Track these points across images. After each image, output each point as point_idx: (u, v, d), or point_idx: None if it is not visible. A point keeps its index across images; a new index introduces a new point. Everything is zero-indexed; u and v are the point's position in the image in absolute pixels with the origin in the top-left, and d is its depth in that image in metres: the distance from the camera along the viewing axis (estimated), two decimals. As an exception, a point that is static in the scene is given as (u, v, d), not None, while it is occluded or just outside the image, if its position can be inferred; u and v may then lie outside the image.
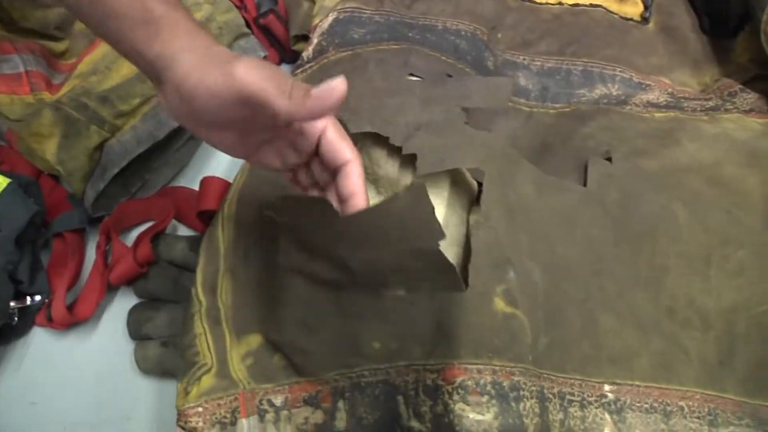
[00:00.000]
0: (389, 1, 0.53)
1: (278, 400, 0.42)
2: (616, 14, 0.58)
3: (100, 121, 0.48)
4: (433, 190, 0.44)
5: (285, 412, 0.42)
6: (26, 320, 0.51)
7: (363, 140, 0.45)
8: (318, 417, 0.42)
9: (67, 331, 0.52)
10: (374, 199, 0.46)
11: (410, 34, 0.51)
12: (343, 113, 0.45)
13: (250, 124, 0.32)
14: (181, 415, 0.40)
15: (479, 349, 0.37)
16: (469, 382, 0.37)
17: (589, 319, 0.42)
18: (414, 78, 0.47)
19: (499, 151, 0.43)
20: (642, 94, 0.53)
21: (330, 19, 0.52)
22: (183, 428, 0.40)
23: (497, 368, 0.37)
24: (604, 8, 0.58)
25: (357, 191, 0.34)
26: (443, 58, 0.50)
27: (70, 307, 0.50)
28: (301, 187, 0.37)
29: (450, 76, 0.49)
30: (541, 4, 0.58)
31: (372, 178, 0.46)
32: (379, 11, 0.52)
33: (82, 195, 0.50)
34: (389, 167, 0.45)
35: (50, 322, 0.50)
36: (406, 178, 0.44)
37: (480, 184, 0.43)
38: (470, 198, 0.45)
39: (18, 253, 0.48)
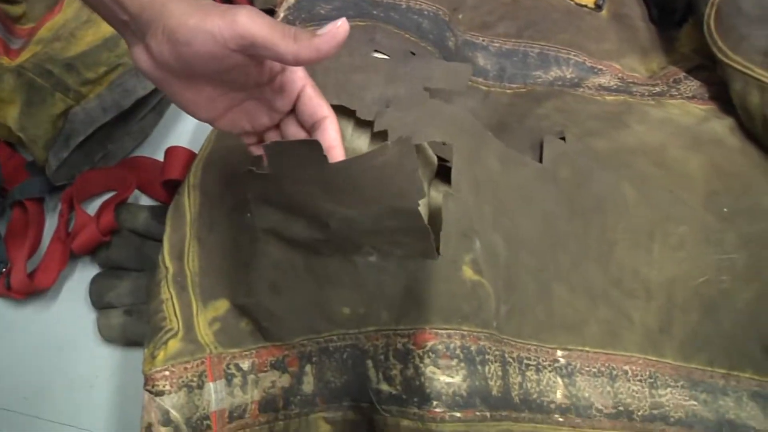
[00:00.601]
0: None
1: (245, 365, 0.43)
2: (572, 1, 0.61)
3: (65, 89, 0.47)
4: None
5: (252, 376, 0.43)
6: (-14, 289, 0.51)
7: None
8: (285, 381, 0.43)
9: (27, 300, 0.51)
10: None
11: (375, 12, 0.52)
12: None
13: (238, 75, 0.32)
14: (148, 380, 0.41)
15: (450, 315, 0.39)
16: (440, 346, 0.39)
17: (544, 288, 0.44)
18: (379, 55, 0.49)
19: (467, 126, 0.45)
20: (594, 77, 0.56)
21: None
22: (150, 392, 0.41)
23: (465, 333, 0.39)
24: (562, -6, 0.61)
25: (335, 144, 0.35)
26: (407, 36, 0.51)
27: (30, 276, 0.50)
28: None
29: (413, 54, 0.50)
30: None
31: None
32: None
33: (44, 163, 0.50)
34: (357, 141, 0.46)
35: (9, 291, 0.50)
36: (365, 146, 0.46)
37: (441, 159, 0.45)
38: (431, 172, 0.46)
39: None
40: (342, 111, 0.46)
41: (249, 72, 0.31)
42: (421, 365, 0.38)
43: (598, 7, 0.61)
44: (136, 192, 0.55)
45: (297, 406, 0.42)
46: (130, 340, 0.50)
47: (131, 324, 0.49)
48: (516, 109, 0.54)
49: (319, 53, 0.30)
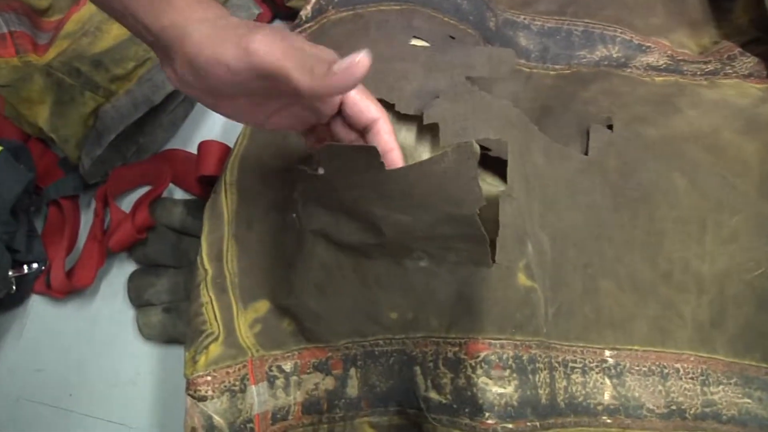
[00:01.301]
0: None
1: (288, 366, 0.43)
2: (618, -28, 0.57)
3: (94, 87, 0.46)
4: None
5: (294, 378, 0.43)
6: (24, 289, 0.51)
7: None
8: (329, 383, 0.43)
9: (66, 299, 0.51)
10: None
11: (412, -10, 0.49)
12: None
13: (267, 95, 0.31)
14: (190, 384, 0.41)
15: (504, 325, 0.38)
16: (493, 357, 0.38)
17: (590, 284, 0.43)
18: (417, 42, 0.46)
19: (515, 120, 0.43)
20: (642, 56, 0.53)
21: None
22: (192, 397, 0.41)
23: (518, 343, 0.38)
24: (607, -34, 0.57)
25: (391, 147, 0.34)
26: (445, 19, 0.49)
27: (69, 274, 0.50)
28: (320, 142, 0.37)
29: (453, 38, 0.48)
30: (541, -41, 0.57)
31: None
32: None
33: (77, 161, 0.49)
34: (399, 134, 0.44)
35: (49, 290, 0.50)
36: (424, 147, 0.44)
37: (483, 148, 0.43)
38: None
39: (14, 223, 0.47)
40: (382, 102, 0.44)
41: (281, 90, 0.29)
42: (473, 375, 0.37)
43: (646, -22, 0.57)
44: (171, 186, 0.54)
45: (341, 410, 0.42)
46: (170, 338, 0.50)
47: (170, 321, 0.49)
48: (560, 92, 0.51)
49: (334, 92, 0.29)
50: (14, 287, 0.50)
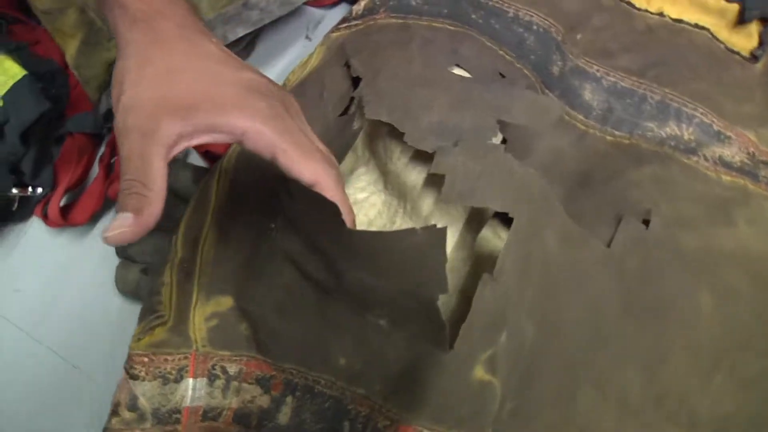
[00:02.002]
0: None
1: (232, 370, 0.41)
2: (722, 43, 0.50)
3: (122, 36, 0.45)
4: (447, 218, 0.40)
5: (235, 384, 0.41)
6: (26, 209, 0.52)
7: (381, 127, 0.41)
8: (264, 401, 0.41)
9: (61, 231, 0.52)
10: (378, 195, 0.43)
11: (473, 16, 0.45)
12: (368, 91, 0.41)
13: None
14: (128, 359, 0.40)
15: (443, 416, 0.35)
16: None
17: (568, 388, 0.38)
18: (459, 71, 0.42)
19: (535, 195, 0.39)
20: (717, 146, 0.46)
21: (388, -25, 0.46)
22: (126, 372, 0.40)
23: None
24: (711, 33, 0.50)
25: (337, 204, 0.31)
26: (501, 52, 0.44)
27: (67, 209, 0.50)
28: None
29: (503, 76, 0.43)
30: (639, 9, 0.50)
31: (383, 170, 0.42)
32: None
33: (97, 103, 0.48)
34: (400, 164, 0.41)
35: (45, 218, 0.50)
36: (429, 195, 0.40)
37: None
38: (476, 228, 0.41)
39: (23, 147, 0.48)
40: (392, 127, 0.41)
41: None
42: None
43: (754, 57, 0.50)
44: (190, 150, 0.53)
45: (267, 432, 0.40)
46: (142, 298, 0.49)
47: (145, 283, 0.49)
48: (609, 164, 0.45)
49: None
50: (16, 204, 0.51)
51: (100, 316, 0.50)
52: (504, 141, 0.43)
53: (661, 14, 0.50)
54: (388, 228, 0.42)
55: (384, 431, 0.36)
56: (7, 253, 0.52)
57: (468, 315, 0.36)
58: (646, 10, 0.51)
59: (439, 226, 0.31)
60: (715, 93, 0.48)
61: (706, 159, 0.46)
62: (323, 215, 0.33)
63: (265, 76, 0.33)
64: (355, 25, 0.46)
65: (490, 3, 0.45)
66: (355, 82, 0.42)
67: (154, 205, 0.28)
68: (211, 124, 0.29)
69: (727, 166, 0.45)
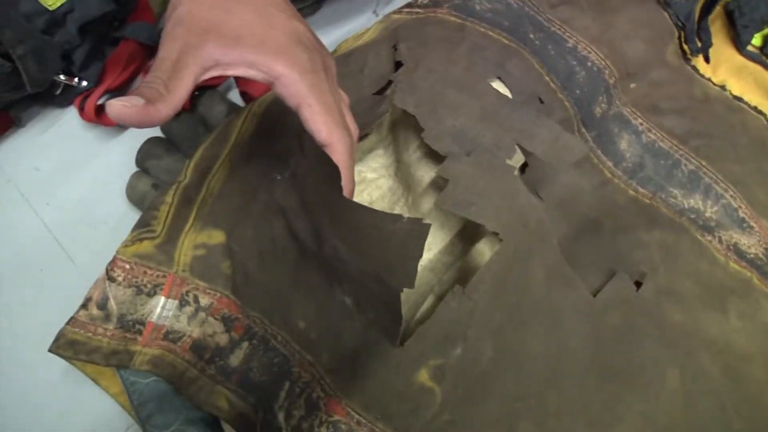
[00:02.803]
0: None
1: (204, 301, 0.43)
2: (776, 131, 0.49)
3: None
4: (444, 220, 0.40)
5: (202, 314, 0.43)
6: (67, 97, 0.54)
7: (407, 117, 0.42)
8: (223, 340, 0.42)
9: (94, 126, 0.54)
10: (386, 179, 0.43)
11: (532, 36, 0.44)
12: (403, 78, 0.41)
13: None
14: (112, 261, 0.42)
15: (374, 406, 0.36)
16: (343, 426, 0.36)
17: (509, 418, 0.39)
18: (498, 85, 0.42)
19: (531, 226, 0.39)
20: (737, 232, 0.45)
21: (467, -24, 0.46)
22: (106, 272, 0.42)
23: (377, 430, 0.36)
24: (767, 120, 0.49)
25: (340, 169, 0.32)
26: (547, 78, 0.44)
27: (103, 107, 0.52)
28: None
29: (542, 101, 0.43)
30: (702, 76, 0.49)
31: (397, 157, 0.43)
32: (520, -6, 0.46)
33: (158, 17, 0.50)
34: (414, 157, 0.41)
35: (81, 111, 0.52)
36: (422, 172, 0.41)
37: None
38: (470, 239, 0.41)
39: (79, 38, 0.49)
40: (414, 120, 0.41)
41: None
42: (317, 427, 0.35)
43: (804, 157, 0.48)
44: (231, 81, 0.55)
45: (216, 369, 0.42)
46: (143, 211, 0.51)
47: (152, 198, 0.50)
48: (623, 217, 0.45)
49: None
50: (59, 90, 0.53)
51: (103, 216, 0.52)
52: (525, 165, 0.43)
53: (723, 87, 0.49)
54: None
55: (316, 401, 0.37)
56: (38, 132, 0.54)
57: (428, 319, 0.36)
58: (709, 79, 0.49)
59: (429, 224, 0.31)
60: (751, 180, 0.47)
61: (720, 241, 0.45)
62: (324, 176, 0.33)
63: (313, 33, 0.34)
64: (416, 12, 0.46)
65: (553, 28, 0.45)
66: (398, 66, 0.43)
67: (165, 107, 0.28)
68: (251, 60, 0.30)
69: (740, 254, 0.45)
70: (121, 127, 0.54)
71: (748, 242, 0.45)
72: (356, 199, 0.42)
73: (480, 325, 0.38)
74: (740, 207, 0.46)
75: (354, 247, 0.34)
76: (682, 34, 0.48)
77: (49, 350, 0.40)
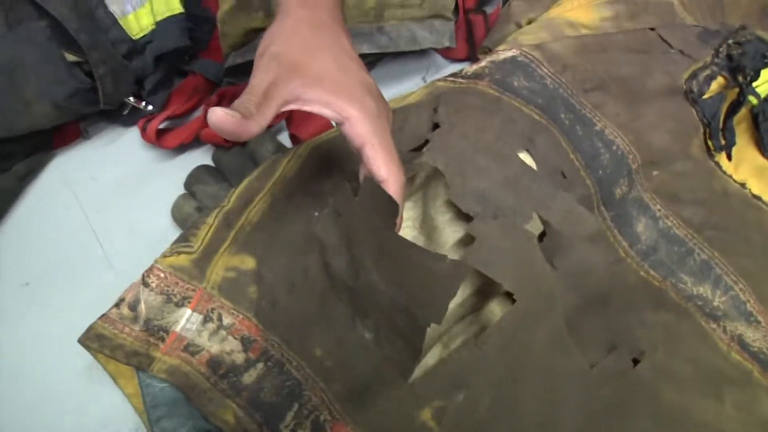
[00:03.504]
0: (573, 73, 0.50)
1: (227, 321, 0.46)
2: (792, 229, 0.50)
3: (268, 12, 0.51)
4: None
5: (223, 333, 0.46)
6: (133, 118, 0.59)
7: (436, 175, 0.45)
8: (239, 358, 0.45)
9: (152, 148, 0.59)
10: (411, 230, 0.46)
11: (562, 116, 0.48)
12: (438, 138, 0.45)
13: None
14: (149, 268, 0.45)
15: None
16: None
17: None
18: (525, 157, 0.45)
19: (543, 291, 0.41)
20: (743, 325, 0.47)
21: (509, 54, 0.50)
22: (143, 277, 0.45)
23: None
24: (783, 222, 0.51)
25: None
26: (572, 156, 0.47)
27: (163, 132, 0.57)
28: None
29: (565, 176, 0.46)
30: (724, 172, 0.52)
31: (424, 210, 0.46)
32: (555, 76, 0.49)
33: (226, 57, 0.55)
34: (440, 213, 0.44)
35: (143, 132, 0.57)
36: (446, 226, 0.44)
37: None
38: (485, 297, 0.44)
39: (152, 66, 0.55)
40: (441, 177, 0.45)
41: None
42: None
43: (816, 261, 0.50)
44: (282, 124, 0.59)
45: (227, 384, 0.44)
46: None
47: (194, 219, 0.54)
48: (631, 297, 0.47)
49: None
50: (127, 111, 0.58)
51: (146, 230, 0.55)
52: (543, 234, 0.46)
53: (743, 185, 0.52)
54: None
55: (323, 424, 0.39)
56: (101, 146, 0.59)
57: (439, 362, 0.39)
58: (731, 176, 0.52)
59: (470, 267, 0.35)
60: (762, 275, 0.49)
61: (725, 331, 0.46)
62: (378, 210, 0.37)
63: (377, 87, 0.39)
64: (459, 82, 0.50)
65: (583, 111, 0.48)
66: (435, 127, 0.47)
67: (254, 125, 0.32)
68: (327, 100, 0.35)
69: (743, 346, 0.46)
70: (176, 151, 0.58)
71: (753, 336, 0.46)
72: None
73: (483, 376, 0.40)
74: (749, 301, 0.48)
75: (393, 280, 0.37)
76: (708, 131, 0.51)
77: (78, 340, 0.44)
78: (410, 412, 0.38)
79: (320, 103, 0.35)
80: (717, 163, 0.52)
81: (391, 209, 0.36)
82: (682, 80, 0.51)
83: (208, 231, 0.47)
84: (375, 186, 0.36)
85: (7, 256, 0.55)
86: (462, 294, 0.45)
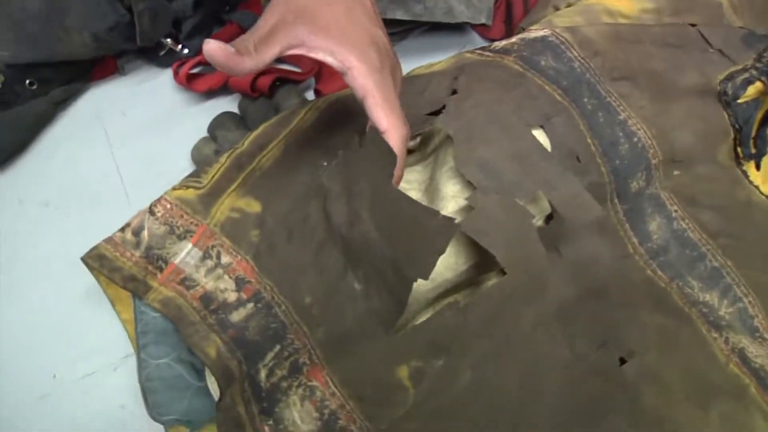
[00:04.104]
0: (603, 59, 0.49)
1: (225, 260, 0.47)
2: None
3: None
4: (461, 248, 0.43)
5: (220, 271, 0.46)
6: (168, 60, 0.61)
7: (448, 141, 0.45)
8: (231, 297, 0.46)
9: (182, 91, 0.60)
10: (416, 192, 0.46)
11: (585, 100, 0.47)
12: (452, 104, 0.45)
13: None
14: (158, 199, 0.47)
15: (351, 384, 0.38)
16: (318, 393, 0.38)
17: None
18: (539, 134, 0.45)
19: (533, 274, 0.41)
20: (747, 339, 0.45)
21: (541, 33, 0.49)
22: (150, 205, 0.46)
23: (348, 408, 0.38)
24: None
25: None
26: (589, 141, 0.46)
27: (195, 76, 0.58)
28: None
29: (579, 161, 0.45)
30: (751, 182, 0.50)
31: (432, 174, 0.46)
32: (584, 60, 0.48)
33: (265, 4, 0.56)
34: (445, 177, 0.44)
35: (176, 74, 0.59)
36: (449, 191, 0.43)
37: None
38: (476, 260, 0.43)
39: (191, 10, 0.56)
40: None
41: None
42: (293, 390, 0.38)
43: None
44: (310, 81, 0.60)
45: (215, 320, 0.45)
46: (201, 169, 0.56)
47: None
48: (632, 293, 0.46)
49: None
50: (163, 52, 0.60)
51: (166, 168, 0.57)
52: (550, 217, 0.45)
53: (768, 198, 0.50)
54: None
55: (300, 366, 0.39)
56: (135, 83, 0.61)
57: (423, 321, 0.39)
58: (757, 187, 0.50)
59: (459, 224, 0.34)
60: (774, 292, 0.47)
61: (726, 342, 0.44)
62: (379, 160, 0.37)
63: (390, 43, 0.39)
64: (486, 55, 0.49)
65: (608, 99, 0.47)
66: (454, 93, 0.46)
67: (248, 62, 0.34)
68: (332, 49, 0.36)
69: (744, 359, 0.44)
70: (205, 96, 0.60)
71: (755, 352, 0.45)
72: None
73: (465, 344, 0.40)
74: (757, 316, 0.46)
75: (386, 232, 0.37)
76: (738, 137, 0.49)
77: (81, 258, 0.45)
78: (387, 366, 0.38)
79: (324, 50, 0.36)
80: (744, 172, 0.50)
81: (390, 160, 0.36)
82: (717, 81, 0.49)
83: (219, 169, 0.48)
84: (377, 136, 0.37)
85: (32, 176, 0.57)
86: (458, 264, 0.44)
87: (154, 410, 0.45)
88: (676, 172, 0.49)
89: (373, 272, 0.40)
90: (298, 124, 0.49)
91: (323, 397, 0.37)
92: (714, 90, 0.49)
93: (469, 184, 0.42)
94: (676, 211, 0.49)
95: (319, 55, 0.36)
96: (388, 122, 0.36)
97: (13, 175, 0.57)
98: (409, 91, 0.47)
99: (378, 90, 0.36)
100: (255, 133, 0.49)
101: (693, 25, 0.50)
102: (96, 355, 0.50)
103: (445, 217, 0.35)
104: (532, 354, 0.41)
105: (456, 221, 0.35)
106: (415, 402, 0.39)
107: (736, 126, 0.49)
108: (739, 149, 0.50)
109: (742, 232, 0.48)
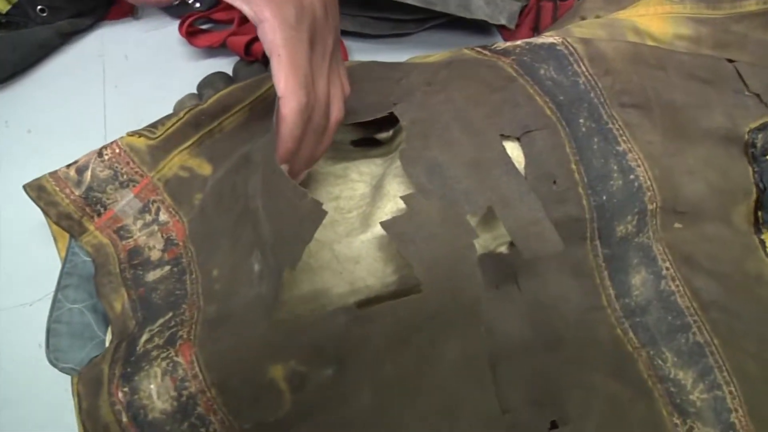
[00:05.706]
0: (614, 80, 0.42)
1: (163, 217, 0.44)
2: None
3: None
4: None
5: (155, 227, 0.44)
6: (179, 11, 0.59)
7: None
8: (155, 255, 0.44)
9: (186, 46, 0.59)
10: (365, 186, 0.42)
11: (581, 121, 0.41)
12: (420, 96, 0.41)
13: None
14: (111, 142, 0.45)
15: (215, 370, 0.34)
16: (180, 371, 0.34)
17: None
18: (512, 145, 0.39)
19: (461, 302, 0.35)
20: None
21: (550, 40, 0.44)
22: (100, 148, 0.44)
23: (209, 395, 0.34)
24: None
25: (284, 121, 0.33)
26: (574, 166, 0.40)
27: (195, 31, 0.57)
28: None
29: (554, 183, 0.39)
30: (767, 254, 0.42)
31: (385, 171, 0.41)
32: (591, 77, 0.42)
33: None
34: (391, 177, 0.39)
35: (181, 26, 0.57)
36: (392, 191, 0.39)
37: None
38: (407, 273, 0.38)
39: (205, -38, 0.54)
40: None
41: None
42: (157, 363, 0.34)
43: None
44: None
45: (131, 276, 0.42)
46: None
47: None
48: (589, 351, 0.39)
49: None
50: (177, 2, 0.58)
51: (148, 115, 0.52)
52: (512, 244, 0.40)
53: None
54: (338, 211, 0.41)
55: (176, 340, 0.36)
56: (143, 29, 0.60)
57: (304, 318, 0.34)
58: (774, 259, 0.42)
59: (326, 212, 0.30)
60: (763, 388, 0.39)
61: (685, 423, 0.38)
62: (272, 134, 0.34)
63: (327, 9, 0.35)
64: (484, 53, 0.44)
65: (609, 125, 0.41)
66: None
67: None
68: None
69: None
70: (206, 53, 0.58)
71: None
72: (326, 190, 0.41)
73: (363, 361, 0.35)
74: (736, 410, 0.38)
75: (267, 211, 0.34)
76: (761, 199, 0.42)
77: (23, 186, 0.44)
78: (259, 361, 0.34)
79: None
80: (762, 242, 0.42)
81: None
82: (746, 129, 0.42)
83: (175, 123, 0.45)
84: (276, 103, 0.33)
85: (23, 101, 0.57)
86: (384, 273, 0.39)
87: (52, 354, 0.42)
88: (677, 225, 0.42)
89: (263, 253, 0.36)
90: (268, 90, 0.46)
91: (185, 376, 0.33)
92: (741, 139, 0.42)
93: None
94: (667, 268, 0.42)
95: (236, 3, 0.32)
96: (285, 86, 0.32)
97: (5, 96, 0.57)
98: (386, 77, 0.43)
99: (285, 48, 0.32)
100: (222, 93, 0.46)
101: (731, 61, 0.43)
102: (28, 287, 0.49)
103: (312, 199, 0.30)
104: (449, 396, 0.36)
105: (324, 206, 0.31)
106: (295, 410, 0.34)
107: (761, 185, 0.42)
108: (759, 213, 0.42)
109: (741, 309, 0.41)
